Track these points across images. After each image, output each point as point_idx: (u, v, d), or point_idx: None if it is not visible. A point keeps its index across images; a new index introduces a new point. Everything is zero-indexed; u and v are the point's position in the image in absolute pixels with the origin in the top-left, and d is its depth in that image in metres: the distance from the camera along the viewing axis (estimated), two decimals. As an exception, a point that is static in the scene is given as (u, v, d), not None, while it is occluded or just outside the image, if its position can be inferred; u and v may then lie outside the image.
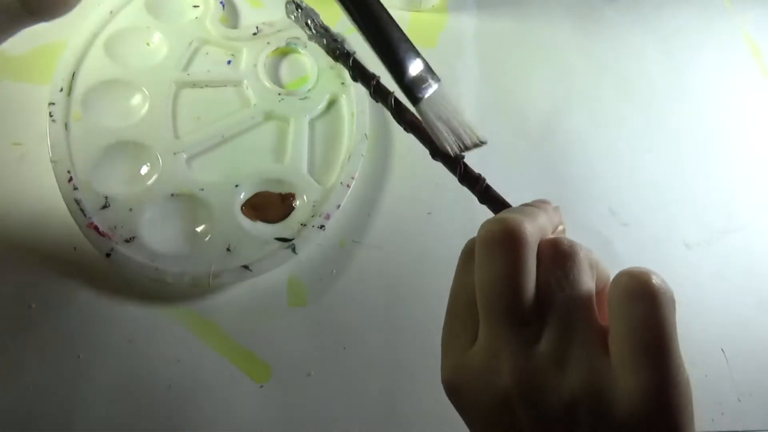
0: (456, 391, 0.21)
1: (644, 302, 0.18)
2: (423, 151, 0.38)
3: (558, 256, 0.20)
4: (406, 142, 0.38)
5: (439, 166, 0.38)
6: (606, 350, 0.19)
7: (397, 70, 0.28)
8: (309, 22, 0.32)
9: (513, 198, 0.37)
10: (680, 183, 0.39)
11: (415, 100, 0.28)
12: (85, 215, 0.32)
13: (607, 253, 0.36)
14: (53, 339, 0.30)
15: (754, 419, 0.32)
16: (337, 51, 0.31)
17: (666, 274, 0.36)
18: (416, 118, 0.28)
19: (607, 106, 0.41)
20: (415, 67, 0.28)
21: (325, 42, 0.31)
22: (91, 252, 0.32)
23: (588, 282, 0.20)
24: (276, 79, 0.39)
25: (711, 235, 0.38)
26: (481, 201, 0.28)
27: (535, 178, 0.38)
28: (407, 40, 0.28)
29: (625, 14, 0.45)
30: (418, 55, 0.28)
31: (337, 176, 0.36)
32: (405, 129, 0.29)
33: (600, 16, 0.45)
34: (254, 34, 0.39)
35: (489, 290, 0.20)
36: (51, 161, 0.33)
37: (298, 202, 0.35)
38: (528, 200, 0.37)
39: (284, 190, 0.35)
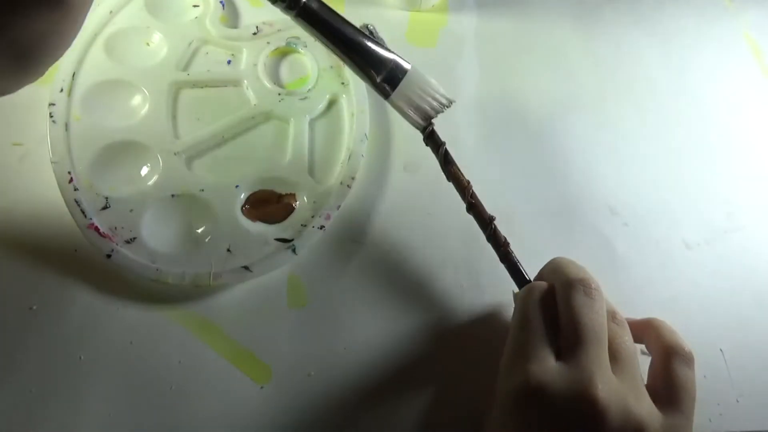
0: (541, 389, 0.25)
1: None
2: (423, 152, 0.38)
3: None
4: (406, 143, 0.38)
5: (438, 167, 0.38)
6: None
7: (366, 77, 0.31)
8: None
9: (513, 199, 0.38)
10: (680, 183, 0.39)
11: (384, 97, 0.31)
12: (85, 216, 0.32)
13: (607, 253, 0.36)
14: (54, 340, 0.30)
15: (752, 420, 0.32)
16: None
17: (666, 274, 0.36)
18: (455, 170, 0.32)
19: (607, 105, 0.41)
20: (380, 69, 0.31)
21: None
22: (92, 253, 0.32)
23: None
24: (276, 79, 0.39)
25: (711, 235, 0.38)
26: (502, 261, 0.32)
27: (536, 178, 0.38)
28: (368, 40, 0.31)
29: (625, 14, 0.45)
30: (381, 53, 0.31)
31: (337, 176, 0.36)
32: (447, 178, 0.32)
33: (600, 15, 0.45)
34: (254, 33, 0.39)
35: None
36: (51, 162, 0.33)
37: (298, 202, 0.35)
38: (528, 200, 0.37)
39: (284, 190, 0.35)
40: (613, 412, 0.24)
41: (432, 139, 0.32)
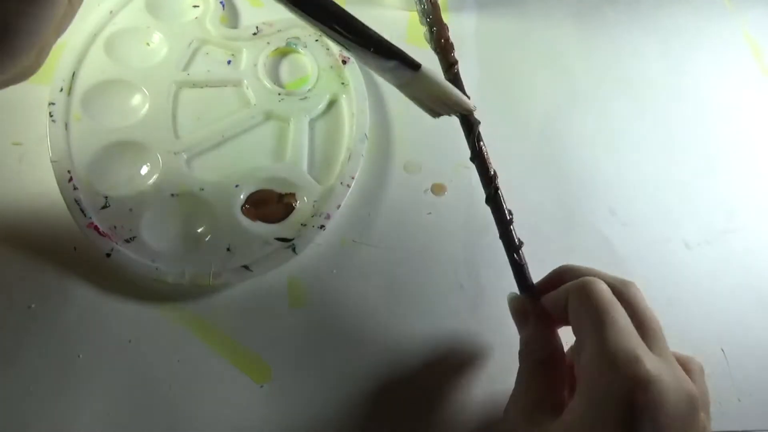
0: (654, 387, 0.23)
1: None
2: (422, 152, 0.38)
3: None
4: (406, 143, 0.38)
5: (438, 167, 0.38)
6: None
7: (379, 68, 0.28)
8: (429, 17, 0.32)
9: (513, 200, 0.38)
10: (680, 183, 0.39)
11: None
12: (85, 215, 0.32)
13: (607, 253, 0.36)
14: (53, 339, 0.30)
15: (754, 419, 0.32)
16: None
17: (666, 274, 0.36)
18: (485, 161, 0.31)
19: (607, 106, 0.41)
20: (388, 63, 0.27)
21: (433, 38, 0.32)
22: (92, 252, 0.32)
23: None
24: (276, 79, 0.39)
25: (711, 235, 0.38)
26: (510, 259, 0.30)
27: (536, 178, 0.38)
28: (381, 40, 0.28)
29: (625, 14, 0.45)
30: (392, 51, 0.27)
31: (337, 176, 0.36)
32: (470, 158, 0.31)
33: (600, 16, 0.45)
34: (254, 34, 0.39)
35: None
36: (51, 161, 0.33)
37: (298, 202, 0.35)
38: (528, 201, 0.37)
39: (284, 190, 0.35)
40: (700, 402, 0.24)
41: (472, 135, 0.31)
